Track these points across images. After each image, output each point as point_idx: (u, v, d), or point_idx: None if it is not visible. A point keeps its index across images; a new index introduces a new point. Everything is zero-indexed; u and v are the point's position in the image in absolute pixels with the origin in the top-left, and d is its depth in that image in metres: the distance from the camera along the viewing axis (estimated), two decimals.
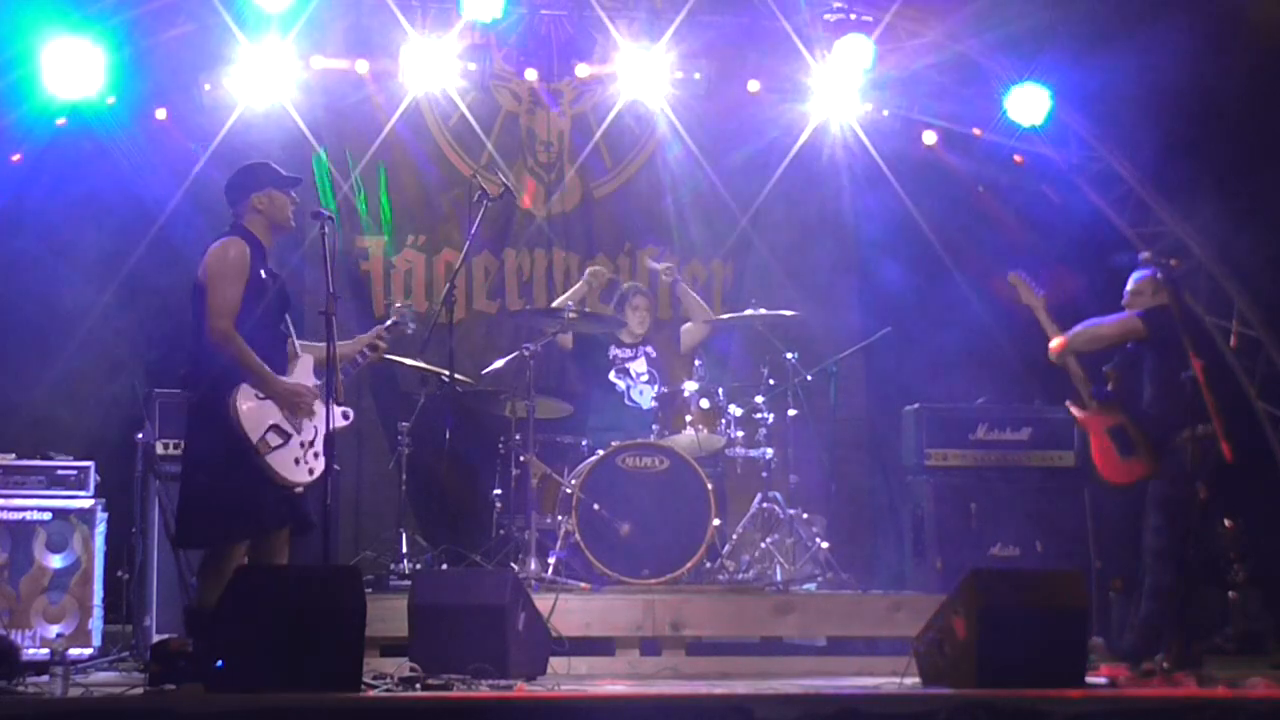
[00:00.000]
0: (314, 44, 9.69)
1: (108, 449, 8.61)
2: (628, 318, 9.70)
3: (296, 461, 6.82)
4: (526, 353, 8.92)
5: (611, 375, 9.65)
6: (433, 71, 9.71)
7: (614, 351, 9.70)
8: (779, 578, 9.00)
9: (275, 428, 6.77)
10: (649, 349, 9.77)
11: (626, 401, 9.60)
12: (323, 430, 6.88)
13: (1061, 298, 8.36)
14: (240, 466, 6.73)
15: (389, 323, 7.56)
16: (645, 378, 9.60)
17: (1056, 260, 10.00)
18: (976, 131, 10.15)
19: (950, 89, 10.05)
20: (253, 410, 6.72)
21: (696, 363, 9.38)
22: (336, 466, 7.49)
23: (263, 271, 6.89)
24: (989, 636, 6.70)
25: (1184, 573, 7.61)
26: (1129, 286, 8.04)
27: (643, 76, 9.94)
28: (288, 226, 7.07)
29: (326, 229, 6.98)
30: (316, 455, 6.89)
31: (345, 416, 7.06)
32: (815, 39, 9.78)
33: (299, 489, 6.83)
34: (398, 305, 7.78)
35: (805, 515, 9.33)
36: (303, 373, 7.00)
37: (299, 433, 6.85)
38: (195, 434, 6.86)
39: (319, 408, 6.91)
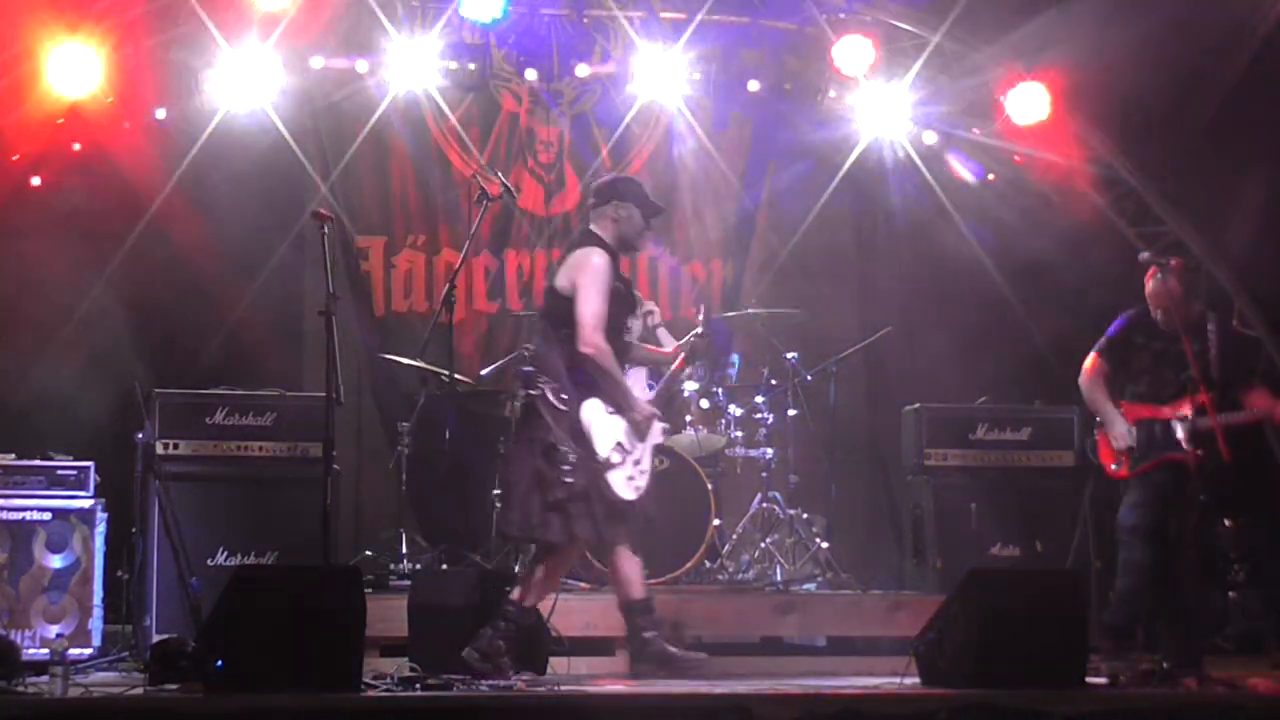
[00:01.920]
0: (314, 44, 9.69)
1: (108, 449, 8.60)
2: None
3: (629, 479, 6.97)
4: (526, 353, 8.92)
5: None
6: (432, 72, 9.71)
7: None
8: (779, 578, 9.00)
9: (619, 445, 6.95)
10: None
11: None
12: (649, 448, 7.07)
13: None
14: (589, 471, 6.90)
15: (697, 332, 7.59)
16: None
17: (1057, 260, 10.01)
18: (976, 131, 10.15)
19: (950, 89, 10.05)
20: (601, 423, 6.91)
21: (697, 363, 9.37)
22: (336, 466, 7.49)
23: (617, 282, 7.04)
24: (989, 636, 6.70)
25: (1162, 555, 7.62)
26: None
27: (655, 77, 9.93)
28: (633, 247, 7.22)
29: (326, 229, 6.98)
30: (643, 473, 7.02)
31: (666, 433, 7.31)
32: (831, 43, 9.78)
33: (633, 507, 6.98)
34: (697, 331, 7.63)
35: (805, 515, 9.33)
36: (635, 385, 7.16)
37: (633, 451, 6.99)
38: (546, 429, 6.94)
39: (655, 428, 7.10)
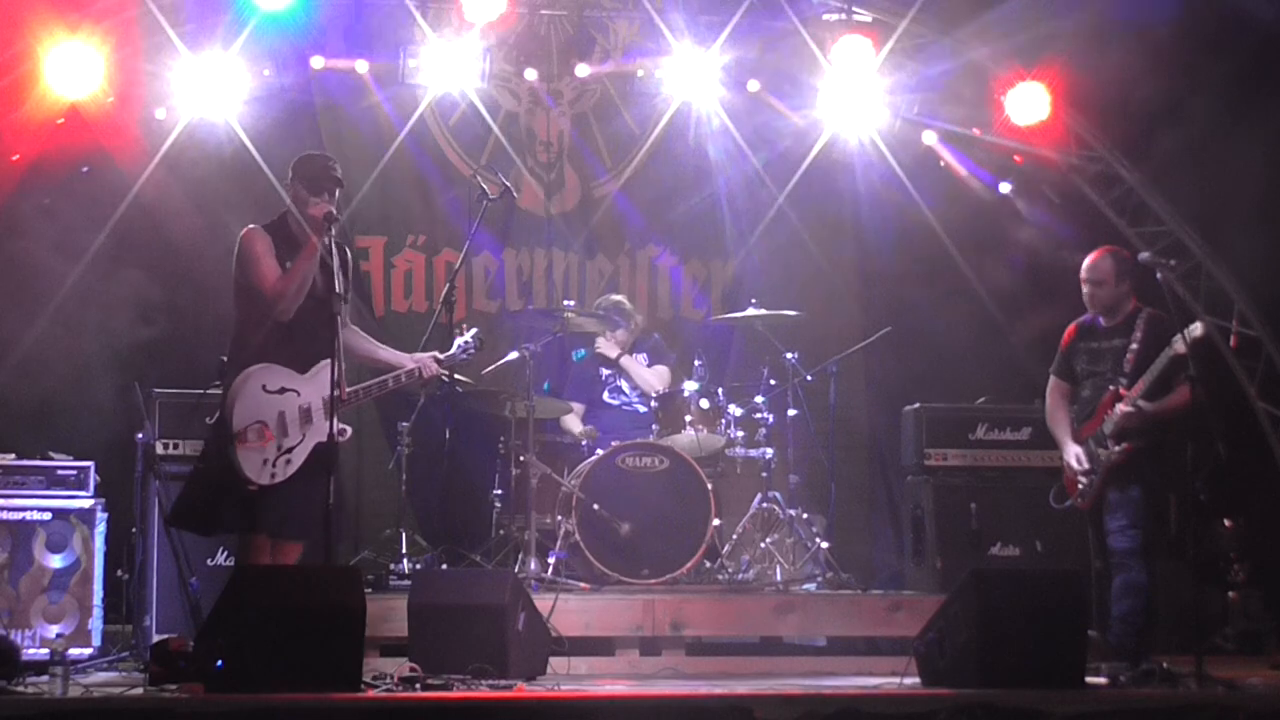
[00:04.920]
0: (314, 44, 9.69)
1: (108, 449, 8.61)
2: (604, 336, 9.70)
3: (264, 463, 6.83)
4: (526, 353, 8.93)
5: (605, 395, 9.65)
6: (432, 71, 9.70)
7: (604, 372, 9.69)
8: (779, 578, 9.00)
9: (260, 425, 6.81)
10: (640, 357, 9.72)
11: (624, 408, 9.61)
12: (310, 442, 6.89)
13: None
14: (220, 458, 6.83)
15: (449, 353, 7.59)
16: (638, 392, 9.58)
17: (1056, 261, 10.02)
18: (976, 131, 10.14)
19: (951, 89, 10.05)
20: (247, 400, 6.81)
21: (696, 363, 9.38)
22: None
23: (288, 263, 6.99)
24: (989, 636, 6.70)
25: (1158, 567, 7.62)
26: None
27: (688, 77, 9.92)
28: (308, 225, 7.03)
29: (333, 229, 6.99)
30: (289, 463, 6.88)
31: (342, 433, 7.03)
32: (821, 40, 9.78)
33: (252, 488, 6.80)
34: (465, 338, 7.70)
35: (805, 515, 9.33)
36: (326, 376, 6.98)
37: (282, 437, 6.87)
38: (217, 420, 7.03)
39: (315, 418, 6.93)
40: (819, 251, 10.74)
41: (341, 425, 7.00)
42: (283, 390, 6.91)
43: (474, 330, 7.80)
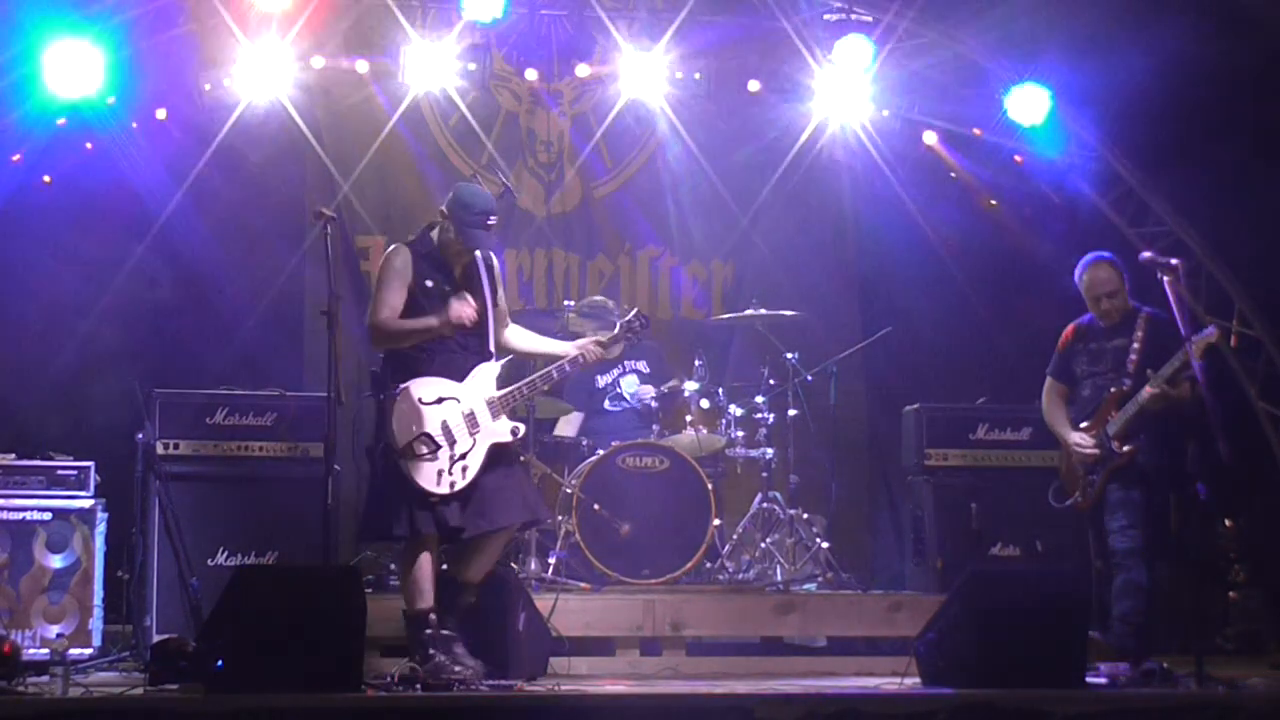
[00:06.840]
0: (314, 44, 9.69)
1: (108, 449, 8.60)
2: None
3: (439, 474, 6.81)
4: None
5: (606, 403, 9.62)
6: (432, 72, 9.70)
7: (601, 380, 9.65)
8: (779, 578, 9.00)
9: (426, 436, 6.80)
10: (640, 364, 9.70)
11: (624, 410, 9.59)
12: (484, 445, 6.89)
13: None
14: (387, 470, 6.85)
15: (617, 330, 7.46)
16: (639, 393, 9.54)
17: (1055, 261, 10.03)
18: (976, 131, 10.15)
19: (950, 89, 10.05)
20: (406, 414, 6.80)
21: (696, 363, 9.37)
22: (337, 466, 7.50)
23: (429, 281, 7.01)
24: (989, 636, 6.71)
25: (1158, 567, 7.64)
26: None
27: (644, 77, 9.91)
28: (450, 252, 7.12)
29: (329, 229, 6.99)
30: (465, 470, 6.85)
31: (514, 433, 7.05)
32: (816, 39, 9.78)
33: (434, 499, 6.81)
34: (629, 318, 7.50)
35: (805, 515, 9.33)
36: (484, 379, 7.00)
37: (452, 445, 6.86)
38: (376, 433, 7.02)
39: (482, 420, 6.92)
40: (819, 252, 10.75)
41: (514, 424, 7.05)
42: (440, 400, 6.89)
43: (635, 309, 7.65)
